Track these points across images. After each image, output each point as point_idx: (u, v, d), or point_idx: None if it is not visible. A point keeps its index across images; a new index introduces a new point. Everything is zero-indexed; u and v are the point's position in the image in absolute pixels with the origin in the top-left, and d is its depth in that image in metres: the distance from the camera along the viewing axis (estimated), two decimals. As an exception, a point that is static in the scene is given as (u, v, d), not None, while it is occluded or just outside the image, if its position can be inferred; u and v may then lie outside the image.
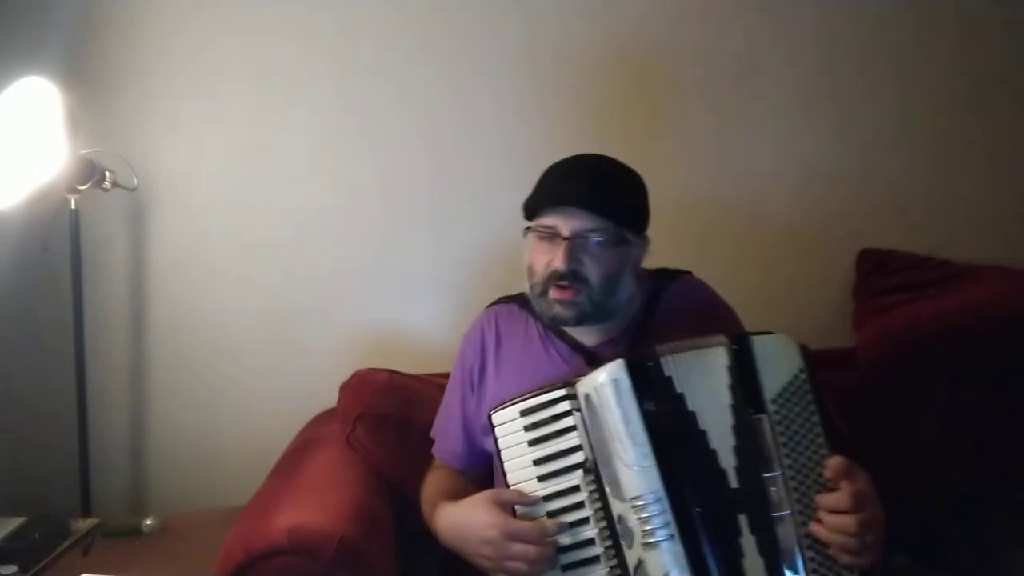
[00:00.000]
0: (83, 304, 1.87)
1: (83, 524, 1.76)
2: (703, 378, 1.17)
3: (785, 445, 1.15)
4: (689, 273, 1.53)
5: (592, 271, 1.31)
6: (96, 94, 1.93)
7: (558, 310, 1.32)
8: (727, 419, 1.16)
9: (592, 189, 1.32)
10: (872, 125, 2.09)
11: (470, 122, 2.04)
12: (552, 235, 1.32)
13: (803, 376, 1.17)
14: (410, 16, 2.00)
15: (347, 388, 1.72)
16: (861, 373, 1.83)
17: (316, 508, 1.41)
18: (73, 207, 1.84)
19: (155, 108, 1.98)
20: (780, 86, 2.07)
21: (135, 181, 1.89)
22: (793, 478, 1.14)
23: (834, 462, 1.13)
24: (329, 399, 1.77)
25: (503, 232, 2.01)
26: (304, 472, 1.60)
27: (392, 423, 1.66)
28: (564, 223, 1.31)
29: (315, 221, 2.03)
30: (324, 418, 1.86)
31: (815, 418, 1.16)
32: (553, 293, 1.32)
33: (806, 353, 1.19)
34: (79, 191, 1.82)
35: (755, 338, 1.19)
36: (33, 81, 1.67)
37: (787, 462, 1.14)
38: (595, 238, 1.30)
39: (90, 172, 1.81)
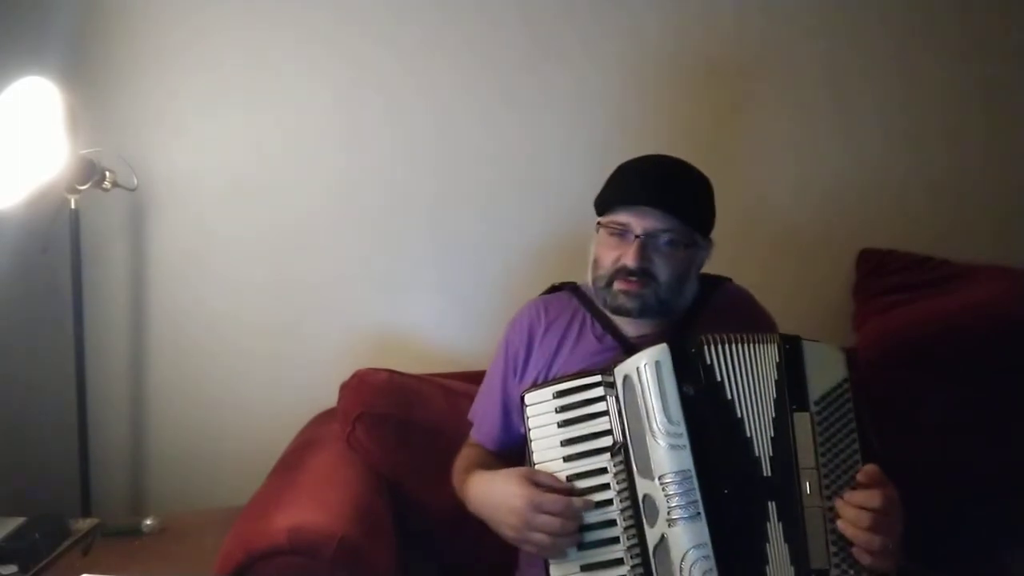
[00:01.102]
0: (83, 304, 1.87)
1: (83, 524, 1.75)
2: (749, 369, 1.22)
3: (822, 445, 1.19)
4: (730, 280, 1.55)
5: (661, 270, 1.34)
6: (96, 94, 1.93)
7: (623, 300, 1.35)
8: (768, 411, 1.21)
9: (666, 190, 1.35)
10: (873, 125, 2.09)
11: (473, 123, 2.04)
12: (623, 232, 1.35)
13: (846, 386, 1.22)
14: (414, 15, 2.00)
15: (347, 388, 1.72)
16: (861, 373, 1.83)
17: (316, 508, 1.40)
18: (73, 207, 1.83)
19: (155, 108, 1.97)
20: (781, 88, 2.07)
21: (135, 181, 1.89)
22: (826, 476, 1.17)
23: (869, 468, 1.17)
24: (329, 399, 1.77)
25: (504, 233, 2.04)
26: (304, 472, 1.60)
27: (392, 423, 1.66)
28: (637, 222, 1.34)
29: (316, 220, 2.03)
30: (324, 418, 1.86)
31: (852, 425, 1.20)
32: (619, 284, 1.35)
33: (852, 365, 1.24)
34: (79, 191, 1.81)
35: (807, 342, 1.23)
36: (33, 81, 1.67)
37: (822, 460, 1.18)
38: (666, 238, 1.33)
39: (90, 172, 1.80)
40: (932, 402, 1.75)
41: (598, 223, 1.40)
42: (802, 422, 1.19)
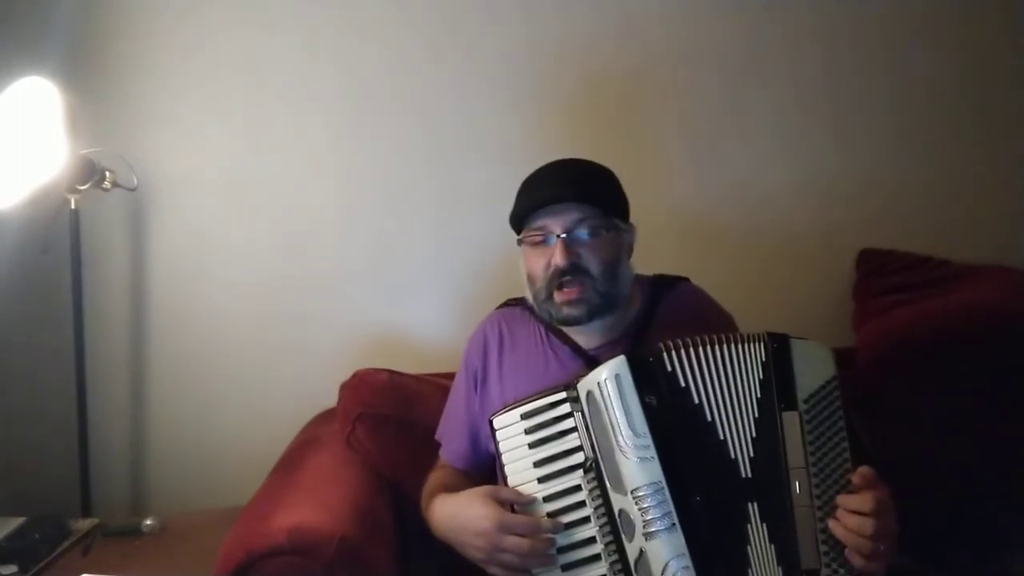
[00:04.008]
0: (83, 304, 1.87)
1: (83, 524, 1.76)
2: (724, 371, 1.21)
3: (811, 444, 1.18)
4: (687, 280, 1.54)
5: (591, 262, 1.33)
6: (96, 94, 1.93)
7: (567, 311, 1.34)
8: (750, 411, 1.20)
9: (573, 183, 1.36)
10: (872, 126, 2.09)
11: (470, 123, 2.04)
12: (545, 238, 1.35)
13: (835, 383, 1.21)
14: (412, 17, 2.00)
15: (347, 388, 1.72)
16: (861, 373, 1.83)
17: (316, 508, 1.41)
18: (73, 207, 1.84)
19: (155, 108, 1.98)
20: (780, 88, 2.07)
21: (135, 181, 1.89)
22: (816, 475, 1.17)
23: (864, 470, 1.16)
24: (329, 399, 1.77)
25: (503, 232, 2.01)
26: (304, 472, 1.60)
27: (392, 423, 1.67)
28: (555, 221, 1.34)
29: (315, 221, 2.04)
30: (324, 418, 1.86)
31: (841, 423, 1.20)
32: (559, 296, 1.34)
33: (839, 363, 1.23)
34: (79, 191, 1.82)
35: (795, 339, 1.22)
36: (33, 81, 1.68)
37: (812, 459, 1.17)
38: (586, 227, 1.33)
39: (90, 172, 1.81)
40: (932, 402, 1.74)
41: (519, 239, 1.40)
42: (790, 421, 1.18)
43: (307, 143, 2.02)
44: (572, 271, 1.32)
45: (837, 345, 1.89)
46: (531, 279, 1.39)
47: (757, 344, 1.21)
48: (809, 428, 1.18)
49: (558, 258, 1.32)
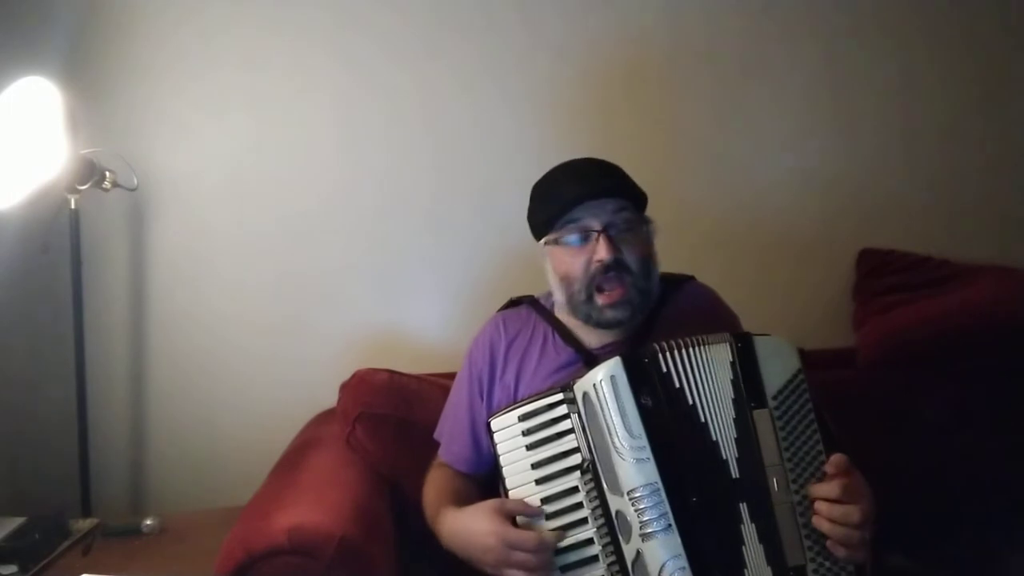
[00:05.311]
0: (83, 304, 1.87)
1: (83, 524, 1.76)
2: (706, 373, 1.20)
3: (784, 439, 1.18)
4: (693, 278, 1.53)
5: (631, 258, 1.33)
6: (96, 94, 1.93)
7: (611, 314, 1.33)
8: (729, 412, 1.19)
9: (604, 176, 1.36)
10: (872, 125, 2.09)
11: (471, 122, 2.04)
12: (584, 236, 1.33)
13: (801, 376, 1.21)
14: (412, 15, 2.00)
15: (347, 388, 1.72)
16: (861, 373, 1.83)
17: (316, 508, 1.41)
18: (73, 207, 1.84)
19: (155, 108, 1.98)
20: (780, 87, 2.07)
21: (135, 181, 1.89)
22: (792, 470, 1.17)
23: (836, 458, 1.16)
24: (329, 399, 1.77)
25: (504, 232, 2.04)
26: (304, 472, 1.60)
27: (392, 423, 1.66)
28: (592, 216, 1.33)
29: (316, 221, 2.03)
30: (324, 418, 1.86)
31: (812, 415, 1.20)
32: (600, 299, 1.33)
33: (802, 356, 1.23)
34: (79, 191, 1.82)
35: (757, 337, 1.22)
36: (33, 81, 1.67)
37: (786, 455, 1.18)
38: (624, 218, 1.33)
39: (90, 172, 1.81)
40: (932, 402, 1.75)
41: (547, 241, 1.38)
42: (762, 419, 1.18)
43: (307, 143, 2.02)
44: (616, 266, 1.31)
45: (837, 345, 1.93)
46: (567, 280, 1.35)
47: (722, 344, 1.21)
48: (781, 424, 1.18)
49: (602, 253, 1.30)
